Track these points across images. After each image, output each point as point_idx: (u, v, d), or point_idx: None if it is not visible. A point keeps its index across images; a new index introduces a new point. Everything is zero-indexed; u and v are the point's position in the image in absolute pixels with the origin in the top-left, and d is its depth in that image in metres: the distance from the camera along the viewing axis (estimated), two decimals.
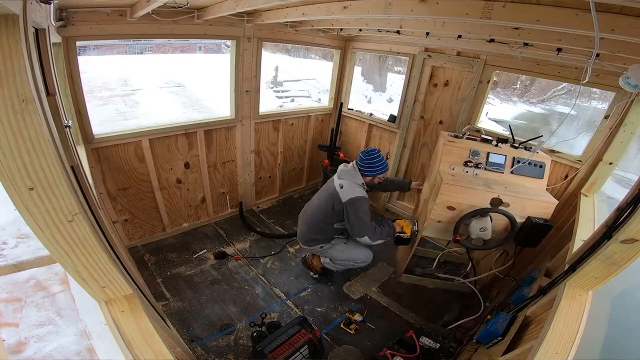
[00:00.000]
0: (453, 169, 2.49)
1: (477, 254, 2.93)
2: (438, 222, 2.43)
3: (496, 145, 2.54)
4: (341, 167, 2.67)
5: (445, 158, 2.51)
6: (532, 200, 2.28)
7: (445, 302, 2.87)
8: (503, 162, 2.48)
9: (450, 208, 2.37)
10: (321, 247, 2.74)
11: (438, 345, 2.38)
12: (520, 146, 2.58)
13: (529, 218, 2.28)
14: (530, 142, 2.65)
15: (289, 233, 3.68)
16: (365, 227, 2.47)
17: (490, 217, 2.31)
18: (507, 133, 2.78)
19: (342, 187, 2.51)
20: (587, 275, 1.42)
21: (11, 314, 1.23)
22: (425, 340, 2.40)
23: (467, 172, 2.48)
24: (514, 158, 2.48)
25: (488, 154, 2.49)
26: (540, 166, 2.47)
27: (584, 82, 1.87)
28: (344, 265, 2.82)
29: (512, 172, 2.48)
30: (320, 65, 18.89)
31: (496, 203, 2.27)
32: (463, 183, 2.33)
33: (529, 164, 2.45)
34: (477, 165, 2.48)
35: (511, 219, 2.26)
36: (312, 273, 3.04)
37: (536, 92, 20.74)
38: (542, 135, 2.62)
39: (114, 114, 9.60)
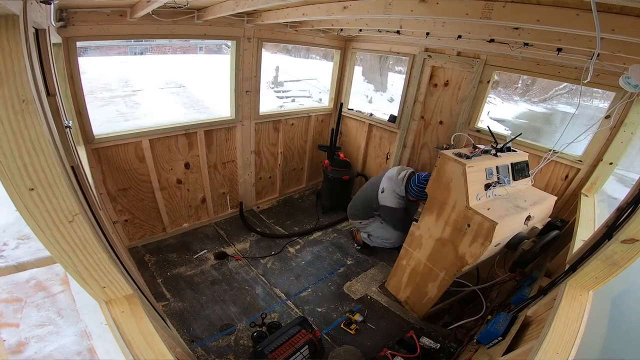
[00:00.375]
0: (479, 199, 2.20)
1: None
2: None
3: (496, 155, 2.39)
4: (391, 171, 3.07)
5: (472, 189, 2.18)
6: (543, 204, 2.30)
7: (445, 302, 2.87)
8: (508, 173, 2.38)
9: (497, 244, 2.18)
10: (360, 222, 3.30)
11: (438, 345, 2.38)
12: (504, 147, 2.47)
13: (549, 223, 2.31)
14: (515, 139, 2.65)
15: (289, 233, 3.68)
16: (393, 224, 3.08)
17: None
18: (508, 132, 2.79)
19: (382, 192, 2.99)
20: (587, 275, 1.42)
21: (12, 314, 1.23)
22: (426, 341, 2.39)
23: (489, 197, 2.25)
24: (511, 164, 2.41)
25: (497, 168, 2.32)
26: (526, 165, 2.47)
27: (585, 81, 1.87)
28: (377, 242, 3.27)
29: (514, 180, 2.42)
30: (321, 65, 18.90)
31: (527, 220, 2.22)
32: (502, 212, 2.12)
33: (519, 165, 2.44)
34: (494, 185, 2.29)
35: (556, 237, 2.16)
36: (355, 245, 3.54)
37: (538, 92, 20.75)
38: (521, 134, 2.71)
39: (114, 115, 9.60)
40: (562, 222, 2.28)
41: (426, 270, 2.54)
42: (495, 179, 2.29)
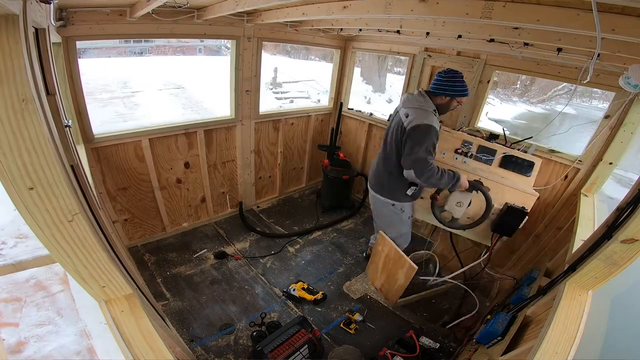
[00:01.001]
0: (444, 154, 2.62)
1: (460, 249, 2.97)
2: (423, 199, 2.63)
3: (489, 140, 2.66)
4: (404, 95, 2.38)
5: (439, 145, 2.35)
6: (513, 189, 2.40)
7: (443, 301, 2.87)
8: (493, 156, 2.58)
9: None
10: (393, 204, 2.49)
11: (438, 345, 2.38)
12: (512, 146, 2.66)
13: (506, 204, 2.37)
14: (523, 141, 2.74)
15: (289, 233, 3.68)
16: (417, 161, 2.13)
17: (470, 201, 2.44)
18: (507, 133, 2.81)
19: (407, 116, 2.21)
20: (587, 275, 1.42)
21: (11, 314, 1.23)
22: (425, 340, 2.39)
23: (456, 158, 2.62)
24: (504, 153, 2.57)
25: (479, 146, 2.61)
26: (530, 165, 2.53)
27: (585, 82, 1.87)
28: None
29: (500, 166, 2.57)
30: (319, 66, 18.82)
31: (476, 186, 2.36)
32: (448, 164, 2.52)
33: (518, 161, 2.53)
34: (466, 154, 2.60)
35: (487, 196, 2.34)
36: None
37: (536, 92, 20.74)
38: (531, 137, 2.75)
39: (113, 116, 9.55)
40: (521, 208, 2.33)
41: (396, 257, 2.61)
42: (469, 151, 2.61)
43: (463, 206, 2.42)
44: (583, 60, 2.05)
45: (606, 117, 2.38)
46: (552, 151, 2.71)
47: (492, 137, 2.80)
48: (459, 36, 2.53)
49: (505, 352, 1.55)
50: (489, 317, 2.17)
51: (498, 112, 16.14)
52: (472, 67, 3.05)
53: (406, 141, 2.19)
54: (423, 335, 2.46)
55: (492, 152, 2.59)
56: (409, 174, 2.23)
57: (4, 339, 1.12)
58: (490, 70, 2.95)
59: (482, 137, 2.76)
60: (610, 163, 2.41)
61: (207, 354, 2.26)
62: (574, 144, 2.94)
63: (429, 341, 2.39)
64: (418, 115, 2.17)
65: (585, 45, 1.70)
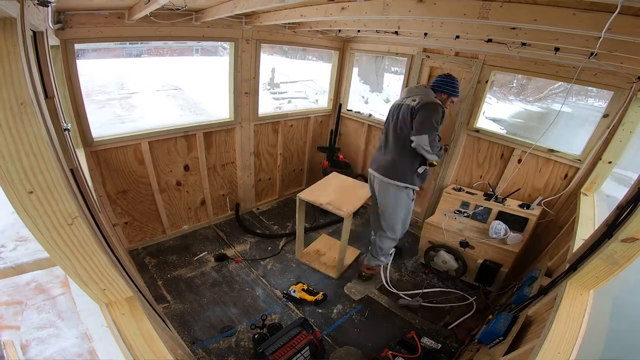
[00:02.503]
0: (445, 215, 2.94)
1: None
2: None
3: (486, 200, 2.93)
4: (407, 88, 2.59)
5: (441, 206, 3.08)
6: (494, 247, 2.63)
7: (445, 302, 2.87)
8: (487, 214, 2.86)
9: (430, 242, 2.96)
10: (406, 187, 2.53)
11: (440, 345, 2.38)
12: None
13: (485, 260, 2.68)
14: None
15: (288, 232, 3.68)
16: (429, 128, 2.29)
17: (457, 256, 2.81)
18: (504, 132, 2.85)
19: (415, 100, 2.40)
20: (588, 274, 1.42)
21: (12, 317, 1.23)
22: (427, 341, 2.39)
23: (455, 218, 2.93)
24: (499, 211, 2.81)
25: (476, 206, 2.93)
26: (523, 221, 2.72)
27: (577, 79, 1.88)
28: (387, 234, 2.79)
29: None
30: (317, 66, 18.81)
31: (463, 245, 2.72)
32: (441, 224, 2.83)
33: (512, 217, 2.75)
34: (465, 214, 2.94)
35: (464, 262, 2.80)
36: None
37: (533, 91, 20.70)
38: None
39: (110, 118, 9.54)
40: (493, 264, 2.68)
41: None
42: (467, 212, 2.95)
43: (448, 263, 2.87)
44: (580, 59, 2.06)
45: (605, 116, 2.38)
46: (552, 150, 2.71)
47: (489, 196, 2.98)
48: (457, 37, 2.53)
49: (507, 352, 1.55)
50: (490, 317, 2.17)
51: (495, 111, 16.12)
52: (470, 67, 3.06)
53: (417, 115, 2.36)
54: (424, 335, 2.45)
55: (488, 211, 2.86)
56: (418, 141, 2.34)
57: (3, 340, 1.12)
58: (488, 70, 2.96)
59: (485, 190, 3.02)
60: (610, 162, 2.41)
61: (208, 357, 2.26)
62: (571, 141, 2.95)
63: (430, 342, 2.39)
64: (427, 98, 2.40)
65: (582, 44, 1.70)
